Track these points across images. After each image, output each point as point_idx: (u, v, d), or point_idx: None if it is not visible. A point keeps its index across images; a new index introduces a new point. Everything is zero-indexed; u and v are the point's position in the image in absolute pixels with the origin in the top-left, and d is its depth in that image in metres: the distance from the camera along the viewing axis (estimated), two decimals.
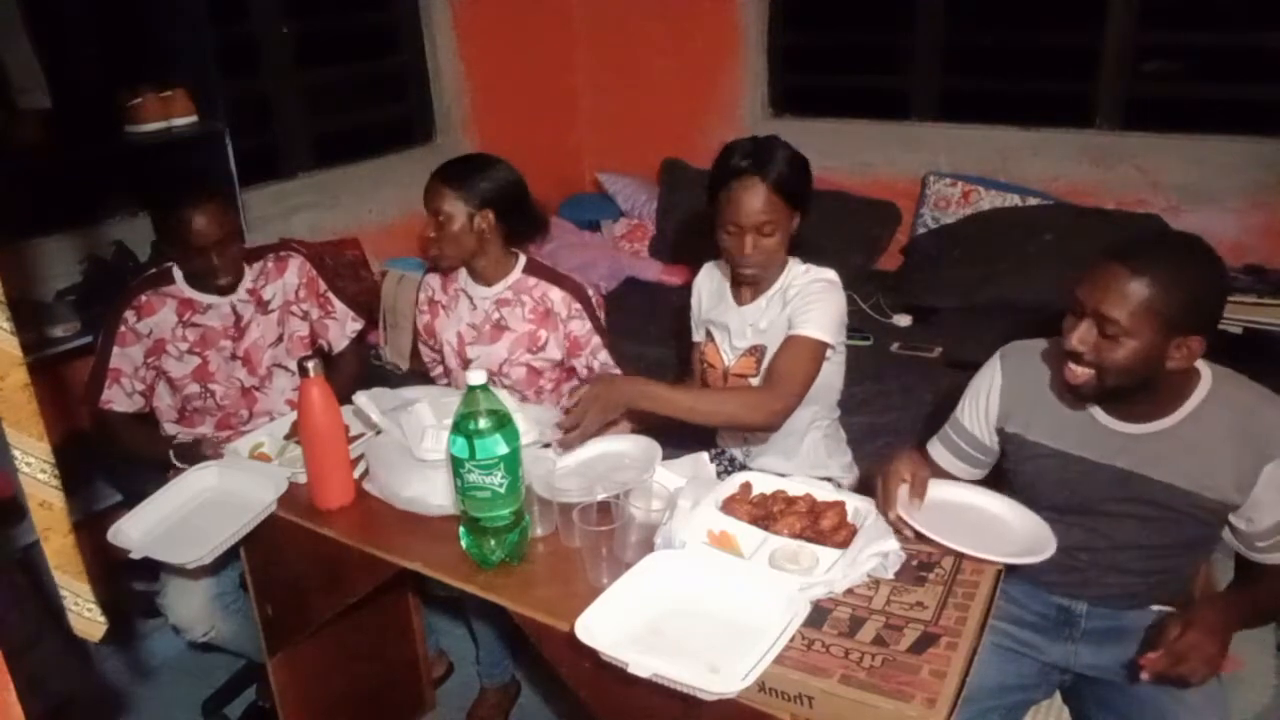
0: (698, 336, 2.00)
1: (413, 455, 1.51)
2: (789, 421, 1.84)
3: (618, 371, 2.04)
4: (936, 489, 1.46)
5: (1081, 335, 1.33)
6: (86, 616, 0.90)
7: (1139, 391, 1.38)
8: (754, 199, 1.66)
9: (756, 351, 1.81)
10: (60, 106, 2.30)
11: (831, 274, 1.77)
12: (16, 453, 0.80)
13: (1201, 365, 1.41)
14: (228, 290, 2.04)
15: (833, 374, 1.83)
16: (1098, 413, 1.46)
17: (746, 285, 1.84)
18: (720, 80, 3.84)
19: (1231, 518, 1.41)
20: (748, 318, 1.83)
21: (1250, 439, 1.35)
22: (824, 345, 1.68)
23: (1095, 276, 1.31)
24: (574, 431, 1.58)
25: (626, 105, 4.08)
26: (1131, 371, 1.32)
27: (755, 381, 1.79)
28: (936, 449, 1.66)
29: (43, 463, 0.82)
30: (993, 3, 3.59)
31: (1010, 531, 1.39)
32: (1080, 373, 1.35)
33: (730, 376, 1.86)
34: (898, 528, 1.36)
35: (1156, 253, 1.29)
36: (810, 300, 1.71)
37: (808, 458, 1.88)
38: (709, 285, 1.97)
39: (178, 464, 1.84)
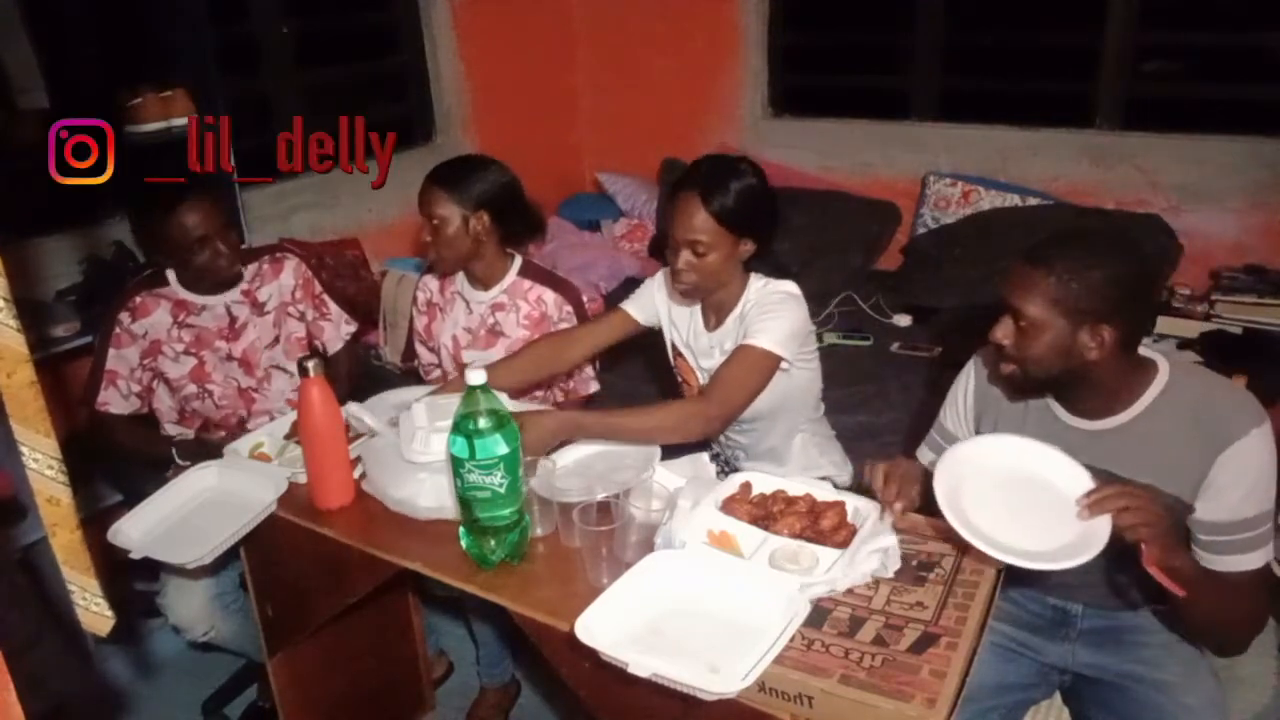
0: (640, 316, 1.90)
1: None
2: (772, 432, 1.85)
3: (595, 384, 2.07)
4: (1017, 452, 1.36)
5: (1003, 330, 1.39)
6: (94, 611, 0.90)
7: (1080, 386, 1.38)
8: (691, 218, 1.64)
9: None
10: (60, 107, 2.29)
11: (790, 286, 1.74)
12: (24, 449, 0.80)
13: (1159, 359, 1.40)
14: (233, 282, 2.04)
15: (809, 379, 1.83)
16: (1059, 410, 1.46)
17: (711, 310, 1.82)
18: (720, 80, 3.84)
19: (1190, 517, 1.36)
20: (714, 341, 1.82)
21: (1204, 429, 1.33)
22: (772, 356, 1.64)
23: (1010, 275, 1.38)
24: None
25: (626, 105, 4.08)
26: (1048, 362, 1.35)
27: None
28: (925, 454, 1.66)
29: (50, 459, 0.82)
30: (993, 3, 3.60)
31: (1066, 519, 1.26)
32: (1006, 366, 1.40)
33: None
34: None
35: (1062, 247, 1.34)
36: (765, 311, 1.68)
37: (800, 461, 1.88)
38: (673, 298, 1.87)
39: (180, 461, 1.83)
